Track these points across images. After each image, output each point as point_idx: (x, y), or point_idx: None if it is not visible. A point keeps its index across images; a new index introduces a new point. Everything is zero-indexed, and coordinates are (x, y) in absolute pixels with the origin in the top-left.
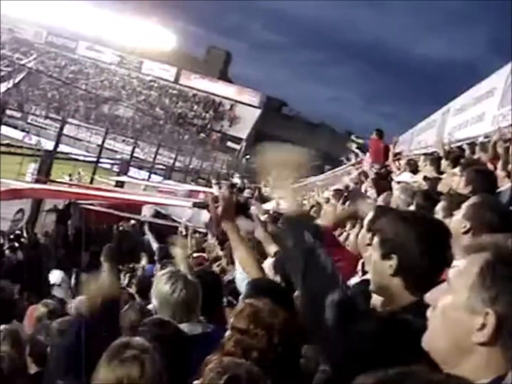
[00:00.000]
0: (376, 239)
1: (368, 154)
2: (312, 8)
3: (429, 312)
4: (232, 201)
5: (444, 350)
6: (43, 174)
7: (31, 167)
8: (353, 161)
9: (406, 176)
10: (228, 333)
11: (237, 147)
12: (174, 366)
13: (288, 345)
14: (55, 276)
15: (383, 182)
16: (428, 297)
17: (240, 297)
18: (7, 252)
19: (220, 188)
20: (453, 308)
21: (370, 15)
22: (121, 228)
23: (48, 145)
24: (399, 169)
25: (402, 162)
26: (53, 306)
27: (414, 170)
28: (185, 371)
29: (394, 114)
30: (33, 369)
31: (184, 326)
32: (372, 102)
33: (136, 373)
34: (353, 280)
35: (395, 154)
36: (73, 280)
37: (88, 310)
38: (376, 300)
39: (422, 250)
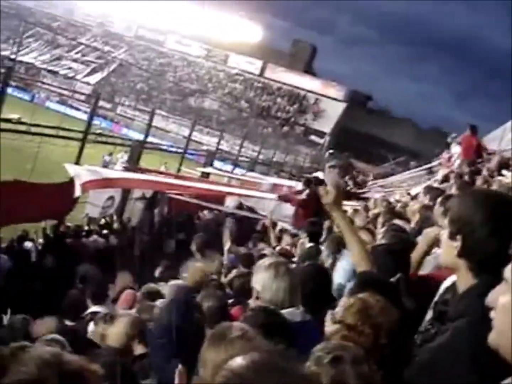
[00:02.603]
0: (447, 218)
1: (458, 151)
2: (402, 3)
3: (492, 313)
4: (341, 189)
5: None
6: (133, 164)
7: (124, 157)
8: (442, 158)
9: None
10: (335, 327)
11: (321, 141)
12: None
13: (394, 346)
14: None
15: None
16: (489, 299)
17: (347, 289)
18: (95, 237)
19: (304, 182)
20: None
21: (460, 9)
22: (202, 217)
23: (135, 136)
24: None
25: (495, 159)
26: (152, 289)
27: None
28: None
29: (483, 111)
30: (138, 350)
31: (285, 312)
32: (460, 98)
33: (247, 351)
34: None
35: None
36: (160, 268)
37: (183, 293)
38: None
39: (489, 232)
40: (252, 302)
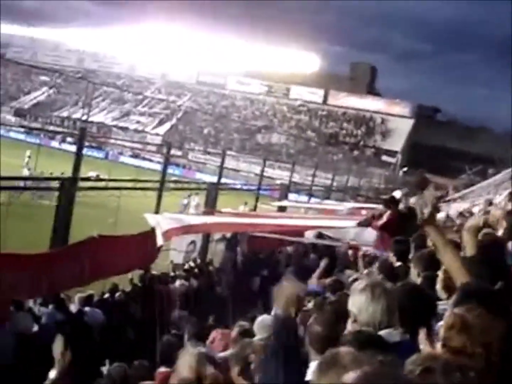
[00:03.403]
0: None
1: None
2: (452, 9)
3: None
4: (436, 205)
5: None
6: (210, 206)
7: (195, 200)
8: None
9: None
10: (440, 350)
11: (393, 160)
12: None
13: (509, 360)
14: None
15: None
16: None
17: (449, 304)
18: (181, 281)
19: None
20: None
21: None
22: (284, 251)
23: (208, 179)
24: None
25: None
26: (244, 327)
27: None
28: None
29: None
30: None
31: (383, 333)
32: None
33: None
34: None
35: None
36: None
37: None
38: None
39: None
40: (349, 326)
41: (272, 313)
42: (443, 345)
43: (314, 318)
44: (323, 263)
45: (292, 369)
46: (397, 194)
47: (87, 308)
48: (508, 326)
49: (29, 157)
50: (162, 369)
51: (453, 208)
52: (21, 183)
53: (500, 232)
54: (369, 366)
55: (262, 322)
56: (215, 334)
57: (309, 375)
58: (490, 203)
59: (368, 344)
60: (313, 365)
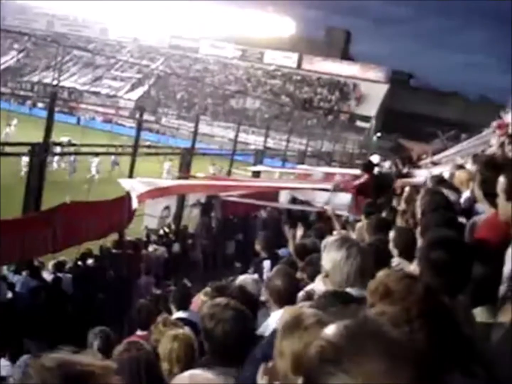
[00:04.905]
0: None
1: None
2: None
3: None
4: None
5: None
6: (184, 171)
7: (167, 165)
8: (493, 126)
9: None
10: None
11: (367, 125)
12: None
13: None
14: None
15: None
16: None
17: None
18: (154, 246)
19: (363, 167)
20: None
21: None
22: (259, 216)
23: (182, 144)
24: None
25: None
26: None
27: None
28: None
29: None
30: None
31: (352, 290)
32: (509, 64)
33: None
34: None
35: None
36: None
37: None
38: None
39: None
40: (319, 281)
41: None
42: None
43: (274, 271)
44: (298, 232)
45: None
46: (375, 159)
47: (62, 275)
48: (426, 288)
49: (9, 125)
50: (139, 332)
51: (424, 173)
52: None
53: (465, 193)
54: (351, 319)
55: (244, 281)
56: (197, 298)
57: (268, 329)
58: (457, 166)
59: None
60: (272, 317)
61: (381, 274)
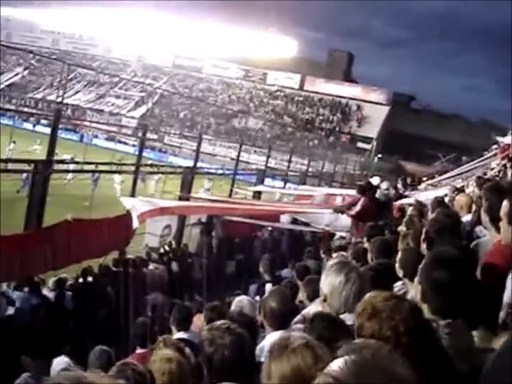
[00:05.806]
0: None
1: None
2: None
3: None
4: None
5: None
6: (186, 191)
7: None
8: (493, 151)
9: None
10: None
11: (368, 146)
12: None
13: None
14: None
15: None
16: None
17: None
18: (155, 265)
19: (358, 190)
20: None
21: None
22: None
23: (185, 163)
24: None
25: None
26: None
27: None
28: None
29: None
30: None
31: (345, 316)
32: (509, 87)
33: (310, 359)
34: None
35: None
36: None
37: None
38: None
39: None
40: (316, 304)
41: None
42: (358, 334)
43: (269, 292)
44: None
45: None
46: (375, 180)
47: (66, 292)
48: (411, 307)
49: (14, 142)
50: (139, 350)
51: (423, 195)
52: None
53: (464, 218)
54: (357, 355)
55: (240, 303)
56: (197, 318)
57: (263, 352)
58: (456, 189)
59: (328, 330)
60: (267, 339)
61: (368, 295)
